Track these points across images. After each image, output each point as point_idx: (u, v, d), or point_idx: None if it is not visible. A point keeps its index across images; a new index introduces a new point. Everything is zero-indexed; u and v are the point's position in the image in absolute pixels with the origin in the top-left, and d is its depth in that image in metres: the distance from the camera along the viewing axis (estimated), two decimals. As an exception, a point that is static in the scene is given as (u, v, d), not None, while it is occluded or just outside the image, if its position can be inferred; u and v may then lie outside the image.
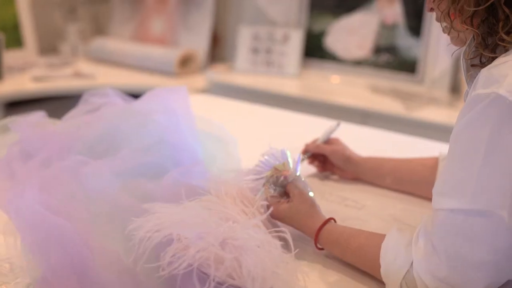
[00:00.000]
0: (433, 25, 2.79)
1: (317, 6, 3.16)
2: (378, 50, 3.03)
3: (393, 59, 2.99)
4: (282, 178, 1.17)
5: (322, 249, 1.10)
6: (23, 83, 2.93)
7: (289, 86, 3.02)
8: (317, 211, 1.12)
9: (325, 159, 1.49)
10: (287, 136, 1.83)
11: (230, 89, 2.96)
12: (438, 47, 2.81)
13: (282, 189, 1.17)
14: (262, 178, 1.19)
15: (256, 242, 0.92)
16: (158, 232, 0.89)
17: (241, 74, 3.15)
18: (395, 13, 2.96)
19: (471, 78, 0.94)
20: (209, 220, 0.94)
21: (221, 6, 3.42)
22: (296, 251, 1.00)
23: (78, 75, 3.06)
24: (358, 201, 1.35)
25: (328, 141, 1.49)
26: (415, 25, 2.91)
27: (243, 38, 3.19)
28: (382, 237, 1.01)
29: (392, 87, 2.91)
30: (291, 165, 1.19)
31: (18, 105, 2.92)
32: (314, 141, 1.49)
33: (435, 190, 0.91)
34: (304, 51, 3.20)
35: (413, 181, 1.38)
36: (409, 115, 2.52)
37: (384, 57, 3.02)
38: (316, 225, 1.10)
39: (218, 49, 3.49)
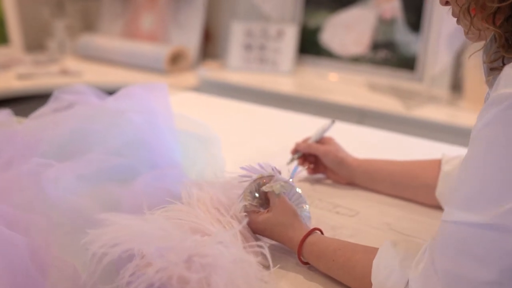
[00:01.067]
0: (433, 20, 2.71)
1: (313, 1, 3.07)
2: (375, 46, 2.95)
3: (391, 56, 2.91)
4: (263, 185, 1.06)
5: (307, 263, 0.99)
6: (7, 81, 2.82)
7: (283, 84, 2.93)
8: (300, 221, 1.01)
9: (317, 160, 1.38)
10: (280, 136, 1.73)
11: (222, 87, 2.87)
12: (438, 43, 2.72)
13: (261, 199, 1.07)
14: (246, 181, 1.08)
15: (228, 258, 0.80)
16: (115, 247, 0.77)
17: (233, 72, 3.06)
18: (393, 7, 2.87)
19: (491, 82, 0.82)
20: (173, 233, 0.82)
21: (213, 2, 3.31)
22: (277, 267, 0.88)
23: (64, 72, 2.96)
24: (351, 208, 1.24)
25: (321, 140, 1.38)
26: (414, 20, 2.82)
27: (236, 34, 3.09)
28: (374, 251, 0.90)
29: (390, 84, 2.83)
30: (278, 176, 1.08)
31: (2, 103, 2.81)
32: (306, 140, 1.39)
33: (446, 200, 0.80)
34: (299, 47, 3.10)
35: (412, 186, 1.27)
36: (408, 114, 2.43)
37: (382, 54, 2.93)
38: (298, 237, 0.99)
39: (211, 46, 3.39)
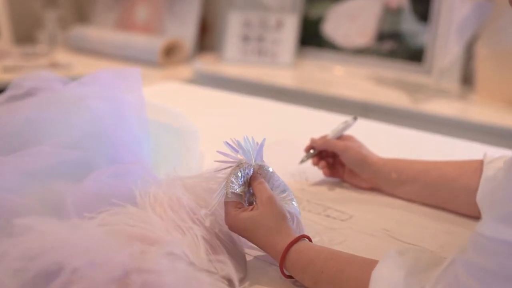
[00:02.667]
0: (442, 9, 2.59)
1: (315, -10, 2.93)
2: (381, 37, 2.80)
3: (398, 47, 2.77)
4: (247, 172, 0.90)
5: (290, 276, 0.82)
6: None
7: (283, 77, 2.78)
8: (287, 226, 0.85)
9: (335, 160, 1.21)
10: (275, 129, 1.57)
11: (218, 80, 2.73)
12: (448, 33, 2.58)
13: (247, 189, 0.91)
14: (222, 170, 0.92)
15: (177, 275, 0.64)
16: (32, 260, 0.61)
17: (230, 64, 2.91)
18: (400, -5, 2.73)
19: None
20: (106, 243, 0.66)
21: (210, -9, 3.15)
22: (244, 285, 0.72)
23: (54, 65, 2.81)
24: (343, 211, 1.07)
25: (340, 137, 1.22)
26: (422, 9, 2.69)
27: (233, 25, 2.93)
28: (372, 262, 0.75)
29: (397, 78, 2.70)
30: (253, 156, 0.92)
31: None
32: (323, 137, 1.22)
33: (485, 208, 0.64)
34: (299, 39, 2.95)
35: (450, 189, 1.07)
36: (415, 109, 2.29)
37: (388, 45, 2.79)
38: (283, 244, 0.82)
39: (208, 38, 3.23)
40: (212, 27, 3.23)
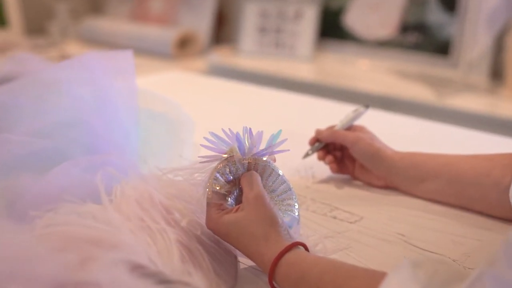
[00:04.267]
0: None
1: (336, -21, 2.81)
2: (405, 29, 2.67)
3: (423, 39, 2.63)
4: (239, 168, 0.78)
5: (280, 291, 0.70)
6: (1, 66, 2.58)
7: (301, 70, 2.65)
8: (277, 231, 0.71)
9: (344, 154, 1.08)
10: (287, 121, 1.45)
11: (233, 73, 2.60)
12: (476, 24, 2.45)
13: (235, 186, 0.78)
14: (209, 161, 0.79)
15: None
16: None
17: (246, 57, 2.79)
18: (425, -16, 2.61)
19: None
20: (38, 250, 0.53)
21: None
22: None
23: (64, 57, 2.70)
24: (353, 212, 0.94)
25: (349, 128, 1.07)
26: (449, -1, 2.56)
27: (249, 16, 2.80)
28: (379, 276, 0.62)
29: (422, 71, 2.57)
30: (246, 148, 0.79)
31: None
32: (330, 128, 1.08)
33: None
34: (319, 30, 2.81)
35: (478, 185, 0.92)
36: (441, 104, 2.17)
37: (412, 37, 2.66)
38: (272, 253, 0.69)
39: (224, 30, 3.11)
40: (229, 19, 3.11)
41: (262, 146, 0.80)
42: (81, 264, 0.53)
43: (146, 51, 2.85)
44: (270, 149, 0.80)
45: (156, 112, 1.13)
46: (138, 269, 0.59)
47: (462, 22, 2.49)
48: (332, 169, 1.06)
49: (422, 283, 0.56)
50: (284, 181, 0.80)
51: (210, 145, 0.78)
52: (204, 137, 0.78)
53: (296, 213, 0.79)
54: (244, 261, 0.77)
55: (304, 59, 2.73)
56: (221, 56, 2.76)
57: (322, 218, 0.92)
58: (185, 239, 0.69)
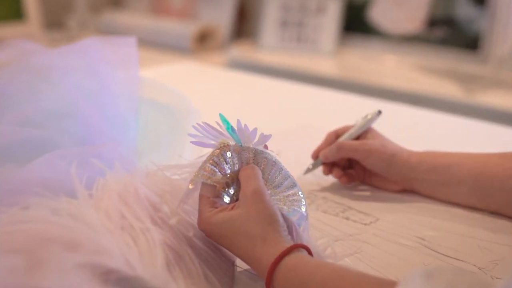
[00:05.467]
0: None
1: (360, -28, 2.73)
2: (432, 23, 2.58)
3: (451, 34, 2.55)
4: (239, 159, 0.70)
5: (279, 300, 0.61)
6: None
7: (324, 65, 2.56)
8: (277, 231, 0.63)
9: (352, 161, 0.97)
10: (303, 114, 1.36)
11: (253, 68, 2.52)
12: (507, 18, 2.36)
13: (233, 180, 0.70)
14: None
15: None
16: None
17: (267, 52, 2.70)
18: (454, -24, 2.52)
19: None
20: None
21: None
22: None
23: (81, 51, 2.64)
24: (368, 212, 0.86)
25: (359, 136, 0.96)
26: (478, -8, 2.48)
27: (270, 9, 2.72)
28: (387, 285, 0.54)
29: (449, 67, 2.47)
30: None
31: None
32: (332, 136, 0.97)
33: None
34: (342, 24, 2.72)
35: (508, 189, 0.83)
36: (470, 100, 2.07)
37: (440, 32, 2.57)
38: (269, 257, 0.61)
39: (246, 24, 3.02)
40: (250, 13, 3.03)
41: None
42: (31, 269, 0.45)
43: (165, 45, 2.79)
44: (266, 138, 0.72)
45: (160, 103, 1.05)
46: (111, 274, 0.52)
47: (492, 16, 2.40)
48: (342, 182, 0.95)
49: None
50: (288, 176, 0.72)
51: (199, 134, 0.70)
52: (193, 126, 0.71)
53: (304, 210, 0.71)
54: (241, 264, 0.69)
55: (326, 54, 2.64)
56: (241, 51, 2.68)
57: (334, 219, 0.83)
58: (173, 241, 0.61)
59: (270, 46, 2.70)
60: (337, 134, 0.96)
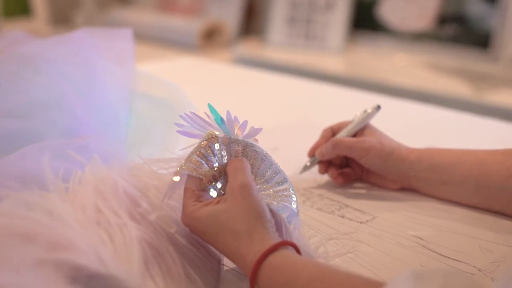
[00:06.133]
0: None
1: (370, -32, 2.69)
2: (442, 20, 2.54)
3: (462, 32, 2.51)
4: (228, 151, 0.67)
5: (264, 300, 0.58)
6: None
7: (332, 63, 2.52)
8: (264, 228, 0.59)
9: (349, 160, 0.93)
10: (305, 109, 1.33)
11: (260, 65, 2.48)
12: None
13: (221, 174, 0.67)
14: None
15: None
16: None
17: (274, 48, 2.67)
18: (465, -27, 2.48)
19: None
20: None
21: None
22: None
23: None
24: (365, 210, 0.82)
25: (356, 133, 0.92)
26: (489, -11, 2.43)
27: (278, 5, 2.68)
28: (376, 286, 0.51)
29: (460, 65, 2.43)
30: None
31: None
32: (328, 133, 0.93)
33: None
34: (351, 21, 2.68)
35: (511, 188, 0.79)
36: (480, 99, 2.03)
37: (450, 29, 2.53)
38: (256, 253, 0.57)
39: (254, 21, 2.99)
40: (259, 10, 3.00)
41: None
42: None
43: (172, 42, 2.76)
44: (257, 131, 0.69)
45: (154, 96, 1.02)
46: (80, 271, 0.49)
47: (503, 13, 2.36)
48: (337, 182, 0.91)
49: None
50: (279, 171, 0.69)
51: (186, 124, 0.67)
52: (181, 116, 0.68)
53: (295, 206, 0.68)
54: (228, 263, 0.66)
55: (335, 51, 2.60)
56: (248, 47, 2.65)
57: (329, 216, 0.80)
58: (153, 238, 0.58)
59: (277, 43, 2.66)
60: (333, 130, 0.92)
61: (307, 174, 0.92)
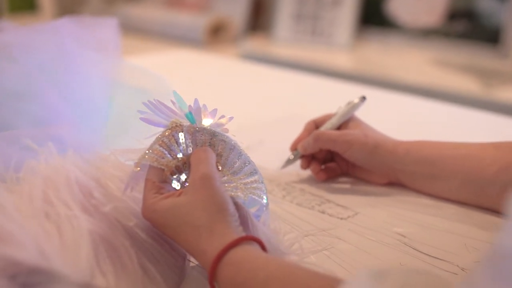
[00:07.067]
0: None
1: (378, -38, 2.65)
2: (452, 16, 2.49)
3: (471, 28, 2.47)
4: (193, 141, 0.64)
5: (224, 297, 0.54)
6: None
7: (339, 59, 2.48)
8: (227, 221, 0.56)
9: (333, 154, 0.89)
10: (298, 103, 1.29)
11: (267, 62, 2.44)
12: None
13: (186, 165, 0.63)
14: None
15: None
16: None
17: (280, 45, 2.63)
18: (475, -33, 2.44)
19: None
20: None
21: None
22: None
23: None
24: (347, 206, 0.78)
25: (341, 125, 0.87)
26: (500, -16, 2.39)
27: (285, 2, 2.64)
28: (335, 284, 0.47)
29: (468, 62, 2.39)
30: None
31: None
32: (311, 125, 0.89)
33: None
34: (359, 17, 2.63)
35: (504, 182, 0.75)
36: (488, 96, 1.99)
37: (460, 26, 2.49)
38: (215, 249, 0.54)
39: (262, 18, 2.95)
40: (266, 6, 2.96)
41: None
42: None
43: (179, 38, 2.74)
44: (227, 120, 0.66)
45: (136, 86, 0.99)
46: (15, 266, 0.45)
47: (514, 9, 2.32)
48: (319, 177, 0.87)
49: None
50: (249, 162, 0.66)
51: (149, 111, 0.64)
52: (144, 103, 0.64)
53: (265, 200, 0.64)
54: (194, 259, 0.62)
55: (342, 47, 2.56)
56: (254, 44, 2.62)
57: (308, 212, 0.76)
58: (107, 231, 0.55)
59: (284, 39, 2.63)
60: (316, 123, 0.89)
61: (290, 168, 0.88)
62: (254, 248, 0.55)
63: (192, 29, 2.71)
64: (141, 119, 0.66)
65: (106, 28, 1.04)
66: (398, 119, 1.14)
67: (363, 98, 0.86)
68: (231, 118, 0.67)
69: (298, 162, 0.87)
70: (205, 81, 1.50)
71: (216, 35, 2.72)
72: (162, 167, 0.61)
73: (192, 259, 0.63)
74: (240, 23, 2.79)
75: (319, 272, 0.50)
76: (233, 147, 0.65)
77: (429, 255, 0.66)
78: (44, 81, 0.82)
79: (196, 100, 0.65)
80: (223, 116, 0.67)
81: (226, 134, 0.66)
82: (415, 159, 0.80)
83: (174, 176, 0.61)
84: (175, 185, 0.61)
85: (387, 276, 0.43)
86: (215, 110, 0.66)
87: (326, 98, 1.39)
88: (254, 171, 0.66)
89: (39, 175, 0.56)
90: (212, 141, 0.64)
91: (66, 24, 0.97)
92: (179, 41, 2.71)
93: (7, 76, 0.81)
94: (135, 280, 0.54)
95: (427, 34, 2.54)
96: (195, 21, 2.73)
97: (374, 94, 1.45)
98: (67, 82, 0.86)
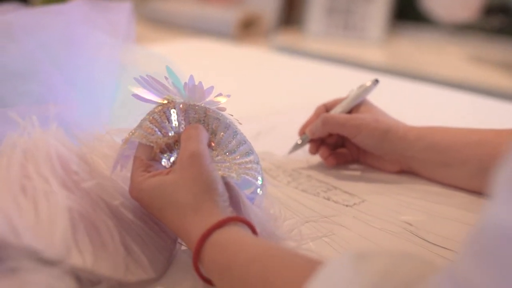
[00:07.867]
0: None
1: (413, -44, 2.58)
2: (489, 11, 2.41)
3: (508, 23, 2.39)
4: (186, 118, 0.61)
5: (208, 281, 0.51)
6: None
7: (372, 53, 2.43)
8: (214, 200, 0.53)
9: (343, 139, 0.86)
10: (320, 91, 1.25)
11: (297, 55, 2.40)
12: None
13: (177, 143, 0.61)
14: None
15: None
16: None
17: (312, 39, 2.59)
18: (513, -40, 2.35)
19: None
20: None
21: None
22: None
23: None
24: (353, 193, 0.75)
25: (352, 109, 0.84)
26: (539, -23, 2.31)
27: (318, -4, 2.59)
28: (314, 268, 0.43)
29: (504, 58, 2.31)
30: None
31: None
32: (320, 110, 0.86)
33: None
34: (392, 12, 2.58)
35: None
36: None
37: (496, 21, 2.42)
38: (200, 229, 0.51)
39: (294, 12, 2.91)
40: (299, 1, 2.92)
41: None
42: None
43: (210, 32, 2.70)
44: (223, 98, 0.63)
45: (146, 71, 0.97)
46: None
47: (553, 3, 2.22)
48: (329, 164, 0.83)
49: (361, 284, 0.37)
50: (244, 141, 0.63)
51: (142, 88, 0.62)
52: (135, 79, 0.62)
53: (260, 181, 0.61)
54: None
55: (375, 42, 2.51)
56: (286, 38, 2.58)
57: (312, 198, 0.73)
58: (88, 209, 0.52)
59: (316, 34, 2.59)
60: (326, 107, 0.85)
61: (300, 154, 0.85)
62: (242, 230, 0.52)
63: (223, 23, 2.68)
64: (133, 95, 0.63)
65: (119, 12, 1.03)
66: (429, 112, 1.09)
67: (376, 81, 0.83)
68: (228, 96, 0.65)
69: (306, 146, 0.84)
70: (229, 70, 1.48)
71: (247, 29, 2.69)
72: (152, 144, 0.58)
73: (183, 242, 0.60)
74: (272, 18, 2.75)
75: (304, 255, 0.47)
76: (228, 126, 0.62)
77: (434, 244, 0.63)
78: (46, 62, 0.81)
79: (191, 77, 0.63)
80: (220, 94, 0.64)
81: (221, 112, 0.64)
82: (426, 145, 0.76)
83: (165, 155, 0.59)
84: (165, 163, 0.58)
85: (369, 259, 0.39)
86: (211, 88, 0.64)
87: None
88: (250, 151, 0.63)
89: (18, 148, 0.53)
90: (205, 119, 0.62)
91: (77, 6, 0.96)
92: (210, 35, 2.69)
93: (7, 56, 0.80)
94: (116, 260, 0.52)
95: (462, 29, 2.48)
96: (227, 15, 2.70)
97: (404, 86, 1.41)
98: (71, 63, 0.84)
